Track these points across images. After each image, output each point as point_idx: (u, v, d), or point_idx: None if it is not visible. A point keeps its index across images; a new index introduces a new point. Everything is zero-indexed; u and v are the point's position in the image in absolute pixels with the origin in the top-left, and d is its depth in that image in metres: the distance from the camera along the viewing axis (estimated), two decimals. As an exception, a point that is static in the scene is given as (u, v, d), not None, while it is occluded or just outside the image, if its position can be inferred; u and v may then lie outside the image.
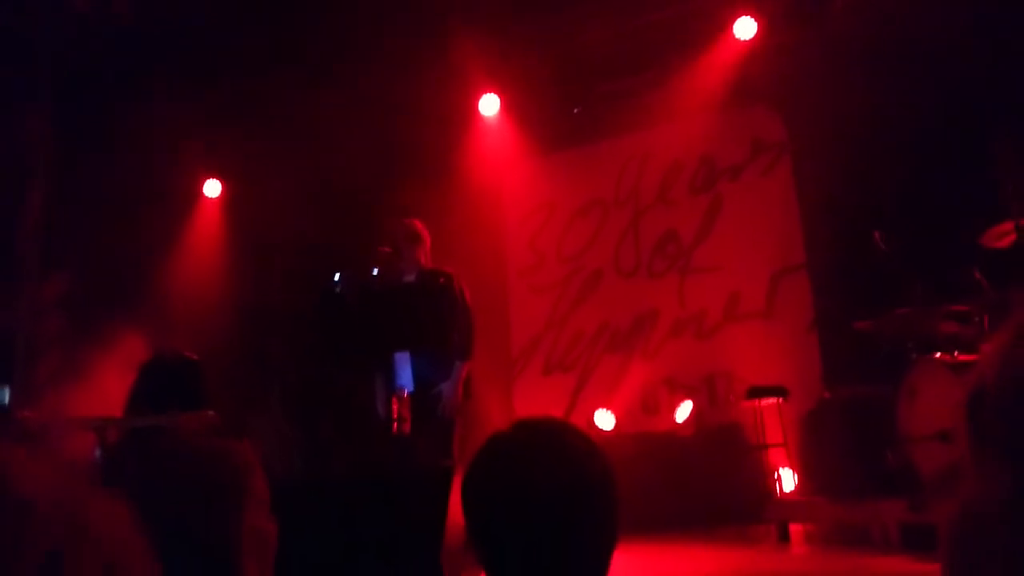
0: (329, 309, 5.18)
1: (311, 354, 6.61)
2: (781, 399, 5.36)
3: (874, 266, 4.57)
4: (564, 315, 7.35)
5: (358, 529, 3.18)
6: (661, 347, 6.82)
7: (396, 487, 3.27)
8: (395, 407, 4.24)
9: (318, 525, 2.97)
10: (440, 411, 4.24)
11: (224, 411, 2.20)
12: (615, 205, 7.34)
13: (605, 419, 6.53)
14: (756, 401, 5.41)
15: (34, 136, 6.27)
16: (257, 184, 7.20)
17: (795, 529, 4.55)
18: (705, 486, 5.31)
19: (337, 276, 4.65)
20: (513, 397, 7.20)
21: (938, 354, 4.12)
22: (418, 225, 4.63)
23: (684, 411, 6.29)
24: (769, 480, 5.28)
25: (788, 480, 5.34)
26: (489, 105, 7.22)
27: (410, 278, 4.51)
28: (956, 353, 4.12)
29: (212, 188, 7.59)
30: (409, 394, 4.32)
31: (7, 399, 5.80)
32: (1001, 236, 4.22)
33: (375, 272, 4.49)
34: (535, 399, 6.99)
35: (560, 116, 7.27)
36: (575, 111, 7.24)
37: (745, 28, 6.26)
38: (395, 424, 4.20)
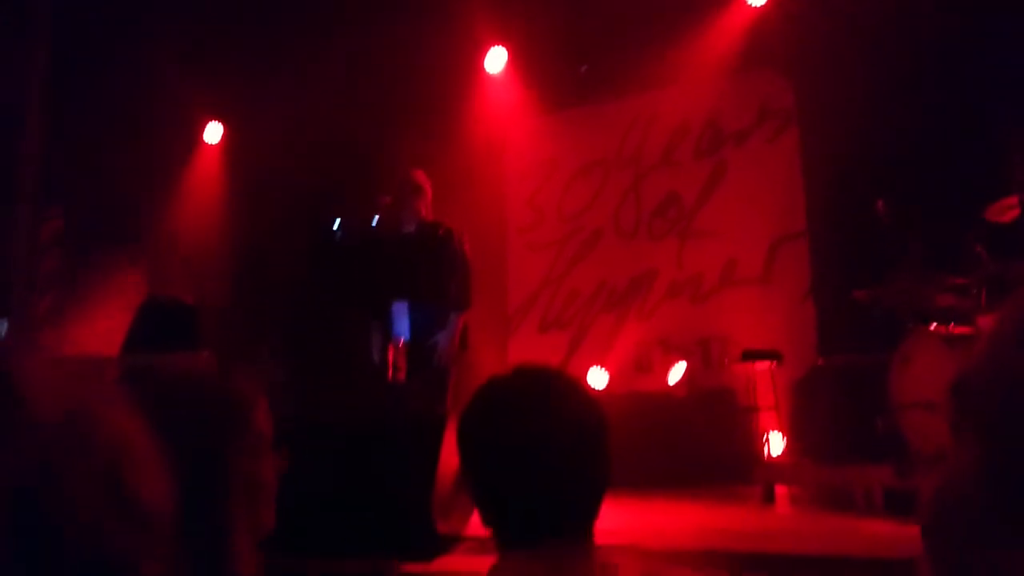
0: (328, 256, 5.18)
1: (308, 301, 6.63)
2: (774, 363, 5.39)
3: (874, 236, 4.57)
4: (561, 273, 7.36)
5: (350, 473, 3.22)
6: (657, 308, 6.84)
7: (389, 433, 3.31)
8: (391, 356, 4.27)
9: (310, 469, 3.01)
10: (436, 361, 4.27)
11: (219, 355, 2.21)
12: (617, 166, 7.30)
13: (598, 377, 6.58)
14: (749, 364, 5.44)
15: (33, 72, 6.20)
16: (259, 130, 7.14)
17: (781, 491, 4.61)
18: (694, 446, 5.37)
19: (337, 223, 4.65)
20: (508, 354, 7.23)
21: (933, 325, 4.15)
22: (420, 176, 4.61)
23: (677, 372, 6.34)
24: (758, 443, 5.33)
25: (777, 443, 5.40)
26: (495, 58, 7.14)
27: (410, 229, 4.50)
28: (952, 325, 4.15)
29: (213, 131, 7.53)
30: (405, 343, 4.35)
31: (4, 333, 5.83)
32: (1005, 210, 4.23)
33: (375, 221, 4.48)
34: (530, 356, 7.01)
35: (567, 74, 7.19)
36: (582, 69, 7.16)
37: (758, -9, 6.19)
38: (391, 372, 4.24)
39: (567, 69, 7.16)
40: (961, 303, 4.26)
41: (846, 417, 4.65)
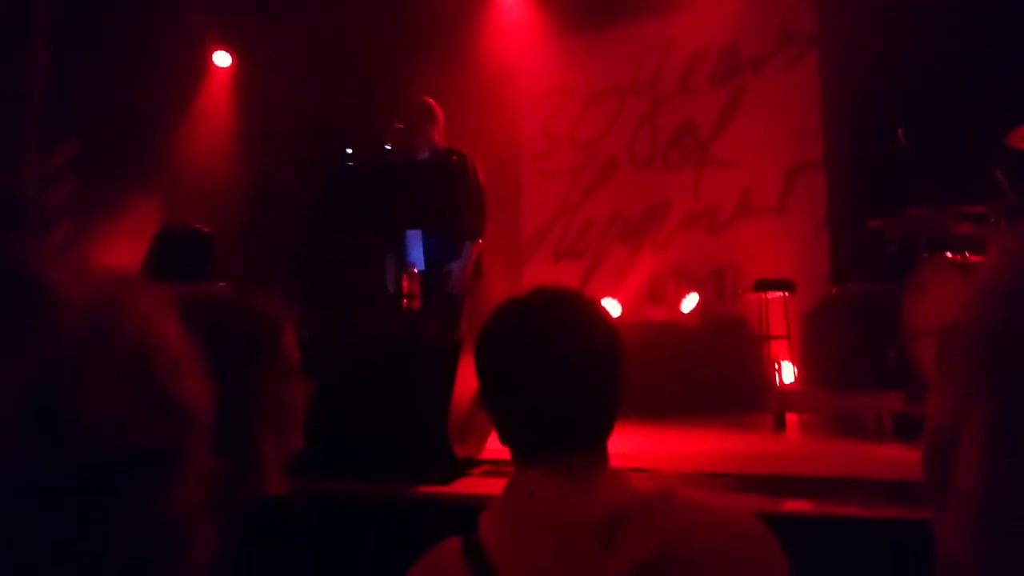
0: (341, 184, 5.15)
1: (321, 229, 6.63)
2: (787, 293, 5.39)
3: (893, 165, 4.50)
4: (576, 203, 7.31)
5: (365, 399, 3.26)
6: (671, 239, 6.82)
7: (404, 359, 3.34)
8: (405, 284, 4.29)
9: (324, 395, 3.04)
10: (449, 289, 4.28)
11: (238, 283, 2.22)
12: (633, 93, 7.17)
13: (612, 307, 6.61)
14: (762, 294, 5.45)
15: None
16: (268, 58, 7.02)
17: (791, 419, 4.66)
18: (706, 375, 5.41)
19: (350, 151, 4.61)
20: (522, 283, 7.25)
21: (949, 254, 4.11)
22: (433, 103, 4.54)
23: (690, 302, 6.35)
24: (769, 371, 5.37)
25: (788, 372, 5.44)
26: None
27: (423, 156, 4.46)
28: (967, 253, 4.11)
29: (222, 59, 7.43)
30: (419, 272, 4.36)
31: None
32: (1028, 136, 4.13)
33: (388, 148, 4.44)
34: (543, 285, 7.03)
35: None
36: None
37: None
38: (404, 300, 4.26)
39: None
40: (977, 231, 4.22)
41: (857, 346, 4.66)
